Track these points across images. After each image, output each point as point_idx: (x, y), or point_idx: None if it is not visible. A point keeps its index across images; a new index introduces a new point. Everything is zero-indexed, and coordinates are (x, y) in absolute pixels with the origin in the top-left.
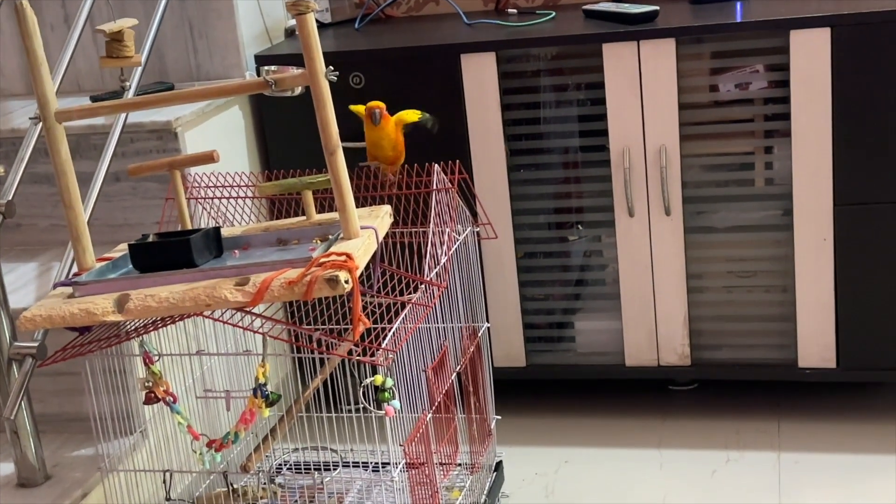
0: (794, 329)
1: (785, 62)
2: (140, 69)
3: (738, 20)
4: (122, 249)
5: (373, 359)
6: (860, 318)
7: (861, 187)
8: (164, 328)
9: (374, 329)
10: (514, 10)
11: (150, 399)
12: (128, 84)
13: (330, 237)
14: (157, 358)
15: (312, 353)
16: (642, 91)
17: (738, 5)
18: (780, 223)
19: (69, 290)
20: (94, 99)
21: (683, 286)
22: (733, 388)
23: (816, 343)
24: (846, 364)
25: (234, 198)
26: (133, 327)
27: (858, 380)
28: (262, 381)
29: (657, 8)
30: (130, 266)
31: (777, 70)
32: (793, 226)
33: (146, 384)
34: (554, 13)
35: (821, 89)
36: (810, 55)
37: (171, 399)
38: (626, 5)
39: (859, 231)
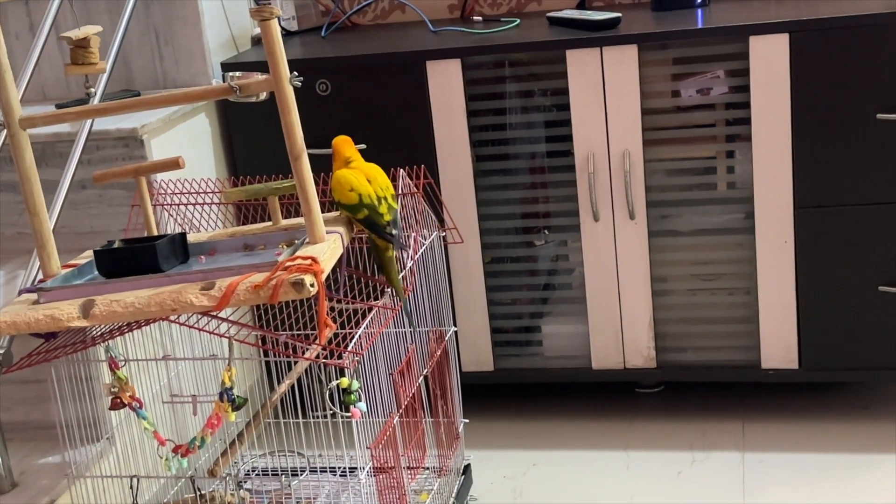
0: (758, 330)
1: (745, 67)
2: (105, 76)
3: (699, 26)
4: (87, 256)
5: (339, 361)
6: (821, 319)
7: (820, 190)
8: (131, 333)
9: (341, 333)
10: (479, 18)
11: (116, 405)
12: (93, 91)
13: (296, 242)
14: (122, 363)
15: (279, 356)
16: (606, 97)
17: (699, 12)
18: (742, 226)
19: (34, 296)
20: (59, 107)
21: (648, 289)
22: (698, 389)
23: (779, 344)
24: (808, 364)
25: (200, 204)
26: (99, 333)
27: (820, 380)
28: (228, 385)
29: (619, 15)
30: (96, 272)
31: (737, 75)
32: (754, 229)
33: (112, 390)
34: (518, 20)
35: (780, 94)
36: (769, 60)
37: (138, 404)
38: (589, 12)
39: (819, 233)
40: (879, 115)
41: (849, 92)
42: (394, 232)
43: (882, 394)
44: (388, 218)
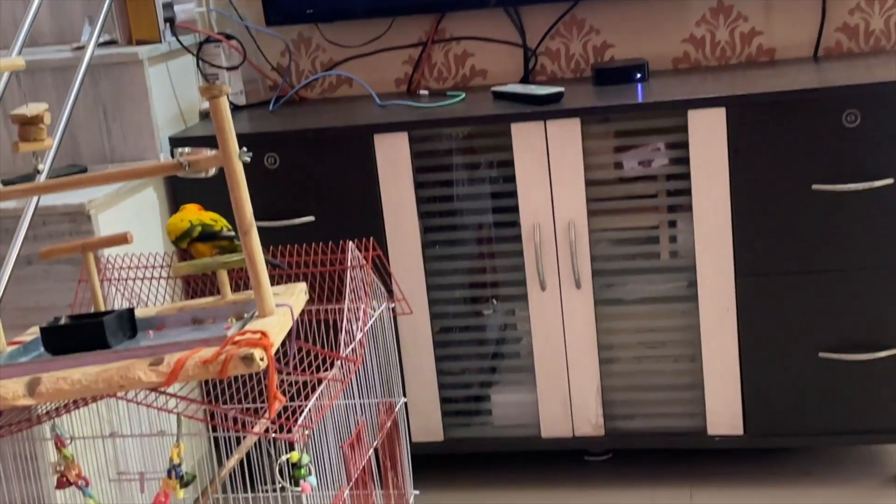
0: (703, 397)
1: (684, 140)
2: (53, 152)
3: (640, 100)
4: (33, 333)
5: (289, 435)
6: (764, 385)
7: (760, 259)
8: (77, 410)
9: (291, 406)
10: (426, 92)
11: (62, 483)
12: (42, 167)
13: (245, 315)
14: (69, 441)
15: (228, 431)
16: (550, 168)
17: (639, 86)
18: (685, 294)
19: None
20: (5, 183)
21: (595, 357)
22: (646, 456)
23: (724, 411)
24: (752, 431)
25: (148, 279)
26: (45, 411)
27: (765, 446)
28: (176, 461)
29: (562, 89)
30: (42, 349)
31: (677, 147)
32: (697, 297)
33: (58, 468)
34: (464, 94)
35: (718, 166)
36: (707, 133)
37: (84, 483)
38: (533, 87)
39: (760, 301)
40: (815, 186)
41: (785, 163)
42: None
43: (824, 459)
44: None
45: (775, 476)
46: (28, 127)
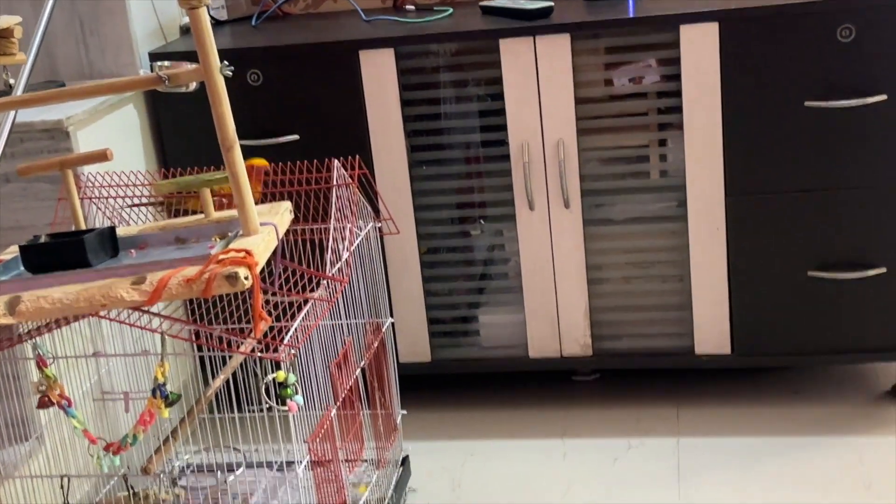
0: (691, 317)
1: (676, 56)
2: (28, 66)
3: (631, 15)
4: (12, 251)
5: (275, 354)
6: (753, 304)
7: (751, 178)
8: (60, 330)
9: (277, 326)
10: (412, 7)
11: (45, 403)
12: (13, 82)
13: (229, 234)
14: (51, 361)
15: (214, 351)
16: (539, 86)
17: (630, 1)
18: (674, 214)
19: None
20: None
21: (584, 278)
22: (634, 376)
23: (712, 330)
24: (740, 350)
25: (129, 197)
26: (26, 330)
27: (752, 365)
28: (161, 380)
29: (552, 4)
30: (22, 268)
31: (669, 64)
32: (687, 216)
33: (40, 388)
34: (451, 10)
35: (711, 83)
36: (700, 49)
37: (66, 403)
38: (522, 1)
39: (750, 220)
40: (807, 103)
41: (778, 80)
42: None
43: (811, 378)
44: None
45: (762, 395)
46: None
